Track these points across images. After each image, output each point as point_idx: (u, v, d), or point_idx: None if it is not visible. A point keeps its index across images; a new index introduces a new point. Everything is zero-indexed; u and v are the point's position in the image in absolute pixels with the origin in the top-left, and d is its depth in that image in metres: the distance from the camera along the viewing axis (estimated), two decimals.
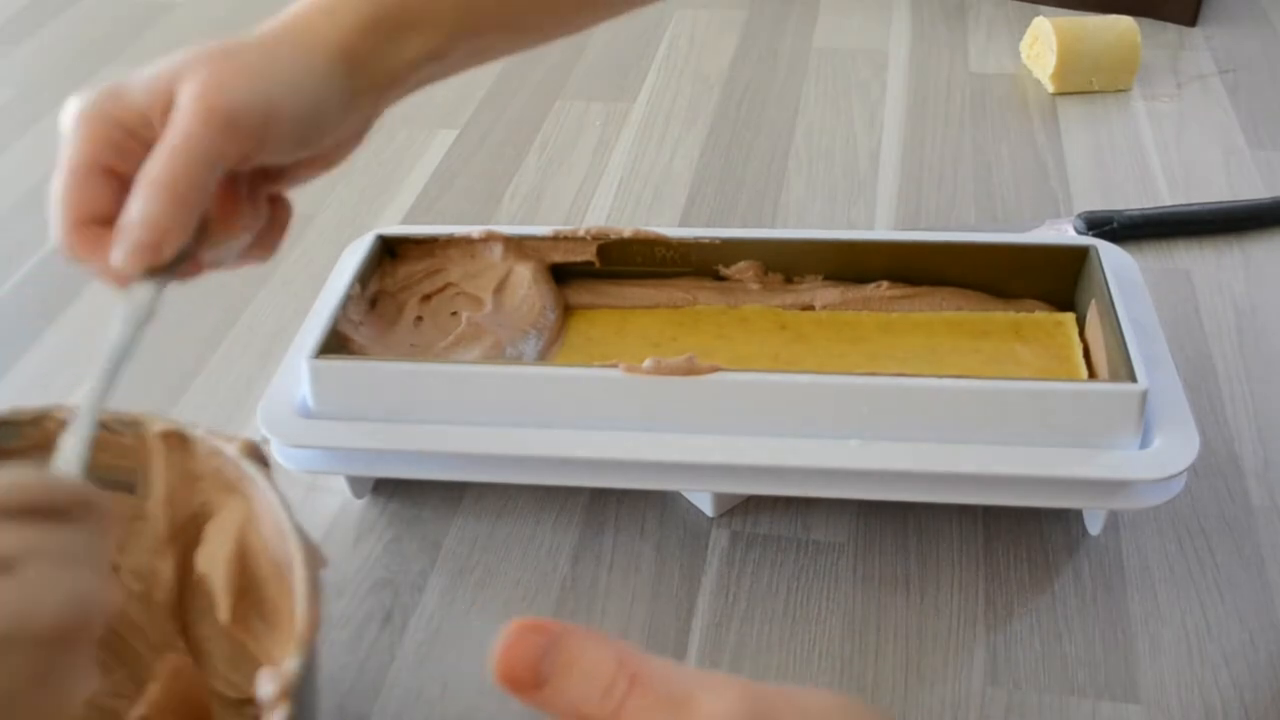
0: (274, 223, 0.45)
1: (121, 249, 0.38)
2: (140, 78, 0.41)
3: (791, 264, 0.60)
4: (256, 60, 0.41)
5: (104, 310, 0.70)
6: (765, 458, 0.49)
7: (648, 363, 0.50)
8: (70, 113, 0.40)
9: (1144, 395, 0.48)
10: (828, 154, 0.82)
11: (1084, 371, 0.54)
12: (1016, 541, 0.54)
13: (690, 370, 0.50)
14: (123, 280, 0.39)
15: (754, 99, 0.89)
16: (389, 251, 0.61)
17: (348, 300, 0.56)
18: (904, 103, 0.87)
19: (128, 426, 0.44)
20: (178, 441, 0.44)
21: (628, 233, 0.59)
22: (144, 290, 0.39)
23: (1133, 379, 0.49)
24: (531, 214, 0.77)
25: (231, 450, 0.42)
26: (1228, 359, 0.63)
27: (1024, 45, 0.92)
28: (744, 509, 0.56)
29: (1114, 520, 0.55)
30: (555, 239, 0.60)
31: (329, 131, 0.43)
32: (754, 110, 0.88)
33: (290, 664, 0.35)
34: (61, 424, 0.44)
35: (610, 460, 0.50)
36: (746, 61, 0.94)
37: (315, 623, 0.37)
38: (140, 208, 0.38)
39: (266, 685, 0.35)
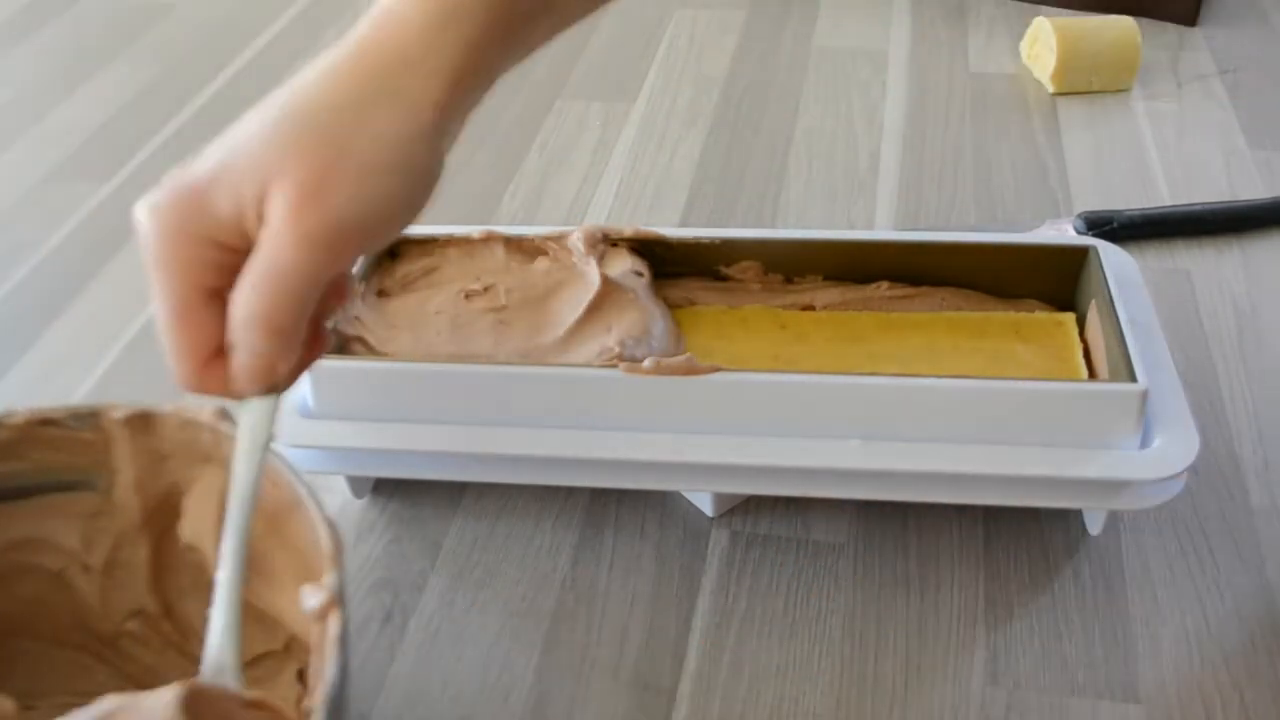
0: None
1: (240, 381, 0.37)
2: (223, 181, 0.36)
3: (791, 264, 0.60)
4: (356, 149, 0.35)
5: (104, 310, 0.70)
6: (765, 458, 0.49)
7: (648, 363, 0.50)
8: (147, 230, 0.36)
9: (1144, 395, 0.48)
10: (828, 154, 0.82)
11: (1084, 371, 0.54)
12: (1016, 541, 0.54)
13: (690, 370, 0.50)
14: (241, 397, 0.38)
15: (754, 99, 0.89)
16: (389, 251, 0.61)
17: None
18: (904, 103, 0.87)
19: (84, 420, 0.44)
20: (141, 424, 0.44)
21: (628, 232, 0.59)
22: (260, 405, 0.38)
23: (1133, 379, 0.49)
24: (531, 214, 0.77)
25: (206, 416, 0.42)
26: (1228, 359, 0.63)
27: (1024, 45, 0.92)
28: (744, 509, 0.56)
29: (1114, 520, 0.55)
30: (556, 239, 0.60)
31: (423, 206, 0.38)
32: (754, 110, 0.88)
33: (329, 579, 0.36)
34: (41, 423, 0.44)
35: (610, 460, 0.50)
36: (746, 61, 0.94)
37: (341, 542, 0.38)
38: (246, 344, 0.36)
39: (311, 599, 0.36)
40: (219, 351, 0.37)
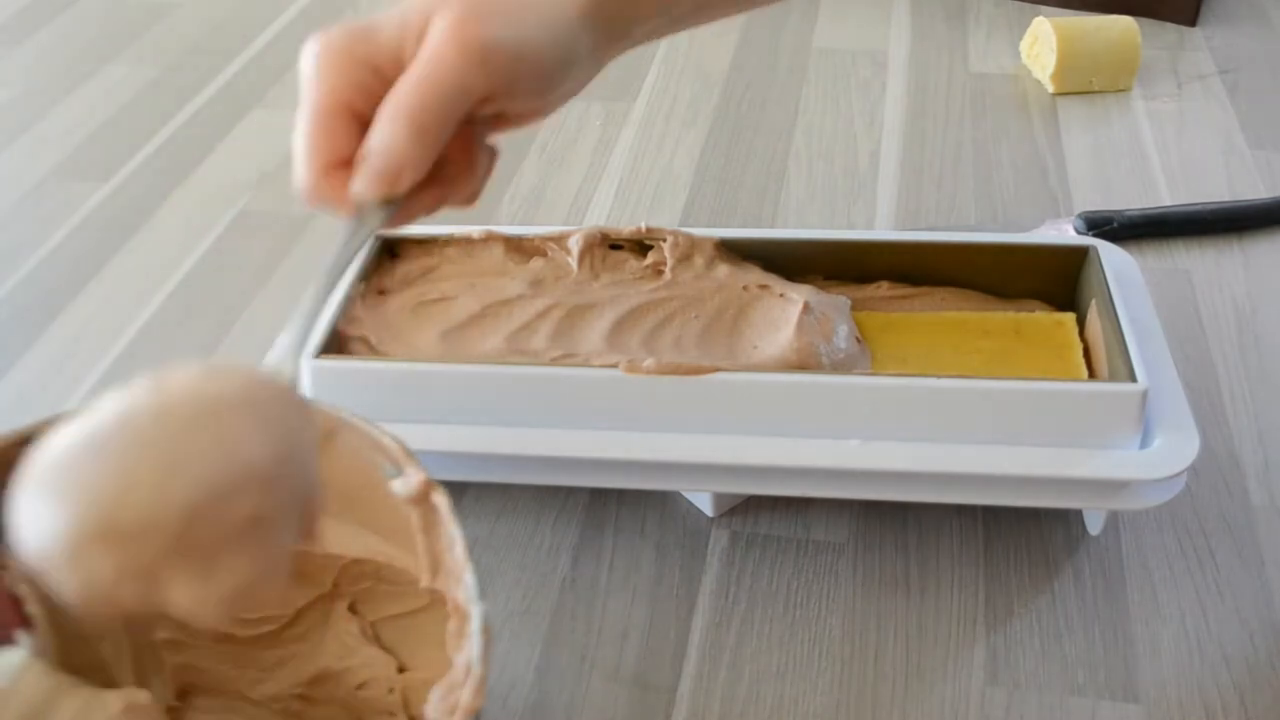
0: (485, 170, 0.44)
1: (362, 178, 0.39)
2: (391, 15, 0.40)
3: (791, 264, 0.60)
4: (512, 1, 0.40)
5: (104, 310, 0.70)
6: (765, 458, 0.49)
7: (648, 362, 0.50)
8: (311, 52, 0.40)
9: (1144, 395, 0.48)
10: (828, 154, 0.82)
11: (1084, 371, 0.54)
12: (1016, 541, 0.54)
13: (690, 370, 0.50)
14: (354, 208, 0.40)
15: (754, 99, 0.89)
16: (389, 251, 0.61)
17: (348, 300, 0.56)
18: (904, 103, 0.87)
19: None
20: None
21: (627, 232, 0.59)
22: (371, 215, 0.39)
23: (1133, 379, 0.49)
24: (531, 214, 0.77)
25: None
26: (1228, 359, 0.63)
27: (1024, 45, 0.92)
28: (744, 509, 0.56)
29: (1114, 520, 0.55)
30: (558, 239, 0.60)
31: (569, 81, 0.42)
32: (754, 110, 0.88)
33: (412, 470, 0.40)
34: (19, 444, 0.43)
35: (610, 460, 0.51)
36: (746, 61, 0.94)
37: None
38: (383, 136, 0.38)
39: (403, 487, 0.39)
40: (345, 164, 0.39)
